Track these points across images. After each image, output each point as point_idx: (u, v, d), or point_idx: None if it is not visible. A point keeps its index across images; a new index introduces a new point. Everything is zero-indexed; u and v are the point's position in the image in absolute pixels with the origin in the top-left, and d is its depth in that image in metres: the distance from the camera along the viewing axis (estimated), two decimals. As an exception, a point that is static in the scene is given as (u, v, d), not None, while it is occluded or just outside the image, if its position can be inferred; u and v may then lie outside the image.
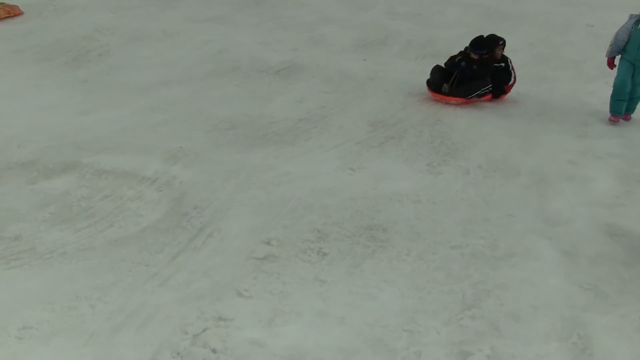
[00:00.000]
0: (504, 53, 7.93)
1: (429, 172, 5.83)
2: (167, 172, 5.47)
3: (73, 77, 7.68)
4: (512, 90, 7.88)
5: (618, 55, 7.30)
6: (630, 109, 7.39)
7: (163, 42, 9.34)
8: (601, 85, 8.46)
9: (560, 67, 9.37)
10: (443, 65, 7.80)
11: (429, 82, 7.64)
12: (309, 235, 4.66)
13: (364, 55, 9.27)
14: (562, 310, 4.04)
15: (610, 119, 7.33)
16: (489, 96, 7.70)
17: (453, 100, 7.46)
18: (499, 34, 8.00)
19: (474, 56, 7.68)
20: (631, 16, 7.15)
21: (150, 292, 3.92)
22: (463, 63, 7.63)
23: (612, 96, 7.30)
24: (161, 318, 3.70)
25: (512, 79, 7.80)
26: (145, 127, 6.37)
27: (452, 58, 7.79)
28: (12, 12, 9.74)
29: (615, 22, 11.33)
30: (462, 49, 7.84)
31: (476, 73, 7.57)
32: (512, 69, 7.86)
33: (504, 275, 4.36)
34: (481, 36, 7.87)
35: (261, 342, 3.57)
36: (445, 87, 7.48)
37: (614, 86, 7.25)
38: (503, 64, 7.85)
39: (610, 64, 7.38)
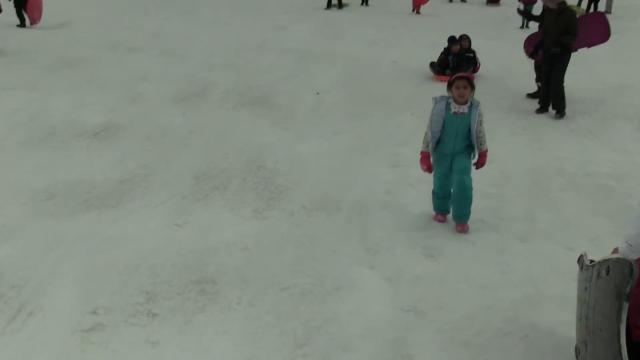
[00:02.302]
0: (471, 47, 12.37)
1: (254, 218, 5.94)
2: (-21, 253, 5.17)
3: None
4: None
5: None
6: (463, 216, 5.78)
7: (-32, 114, 8.83)
8: (408, 117, 9.15)
9: (372, 102, 9.96)
10: (436, 61, 12.04)
11: (436, 72, 11.81)
12: (138, 298, 4.59)
13: (183, 109, 9.31)
14: (387, 333, 4.27)
15: (436, 218, 6.02)
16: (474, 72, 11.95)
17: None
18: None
19: (455, 48, 11.81)
20: (436, 99, 5.63)
21: (-34, 386, 3.69)
22: (451, 55, 11.82)
23: (433, 194, 6.02)
24: (-20, 411, 3.49)
25: (478, 63, 12.36)
26: (-48, 207, 5.99)
27: (442, 54, 11.98)
28: None
29: (415, 57, 12.35)
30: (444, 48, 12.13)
31: (460, 60, 11.81)
32: (477, 57, 12.42)
33: (331, 309, 4.53)
34: (453, 35, 12.18)
35: (92, 417, 3.47)
36: (448, 71, 11.40)
37: (435, 189, 5.95)
38: (472, 54, 12.23)
39: (426, 160, 5.77)
